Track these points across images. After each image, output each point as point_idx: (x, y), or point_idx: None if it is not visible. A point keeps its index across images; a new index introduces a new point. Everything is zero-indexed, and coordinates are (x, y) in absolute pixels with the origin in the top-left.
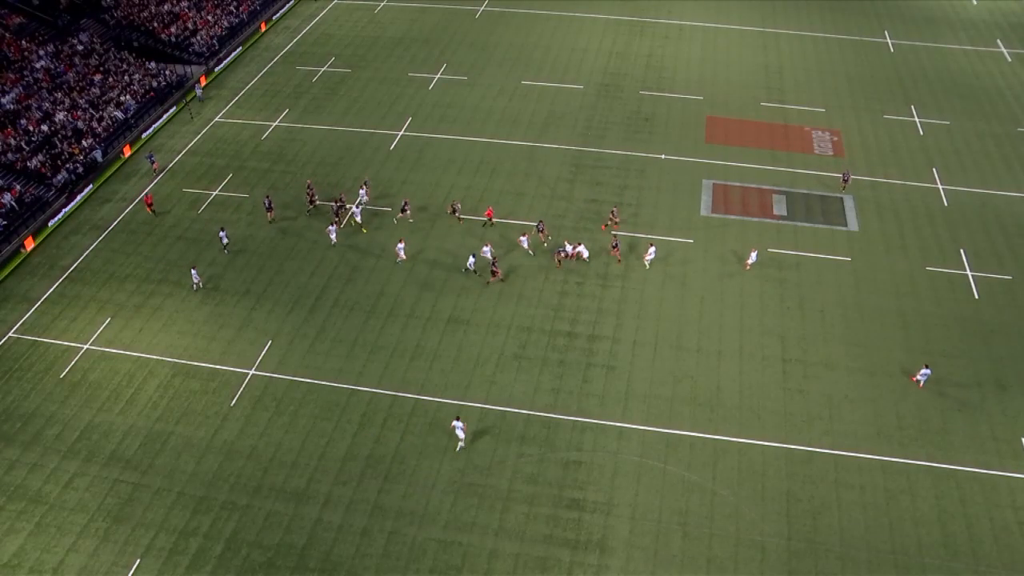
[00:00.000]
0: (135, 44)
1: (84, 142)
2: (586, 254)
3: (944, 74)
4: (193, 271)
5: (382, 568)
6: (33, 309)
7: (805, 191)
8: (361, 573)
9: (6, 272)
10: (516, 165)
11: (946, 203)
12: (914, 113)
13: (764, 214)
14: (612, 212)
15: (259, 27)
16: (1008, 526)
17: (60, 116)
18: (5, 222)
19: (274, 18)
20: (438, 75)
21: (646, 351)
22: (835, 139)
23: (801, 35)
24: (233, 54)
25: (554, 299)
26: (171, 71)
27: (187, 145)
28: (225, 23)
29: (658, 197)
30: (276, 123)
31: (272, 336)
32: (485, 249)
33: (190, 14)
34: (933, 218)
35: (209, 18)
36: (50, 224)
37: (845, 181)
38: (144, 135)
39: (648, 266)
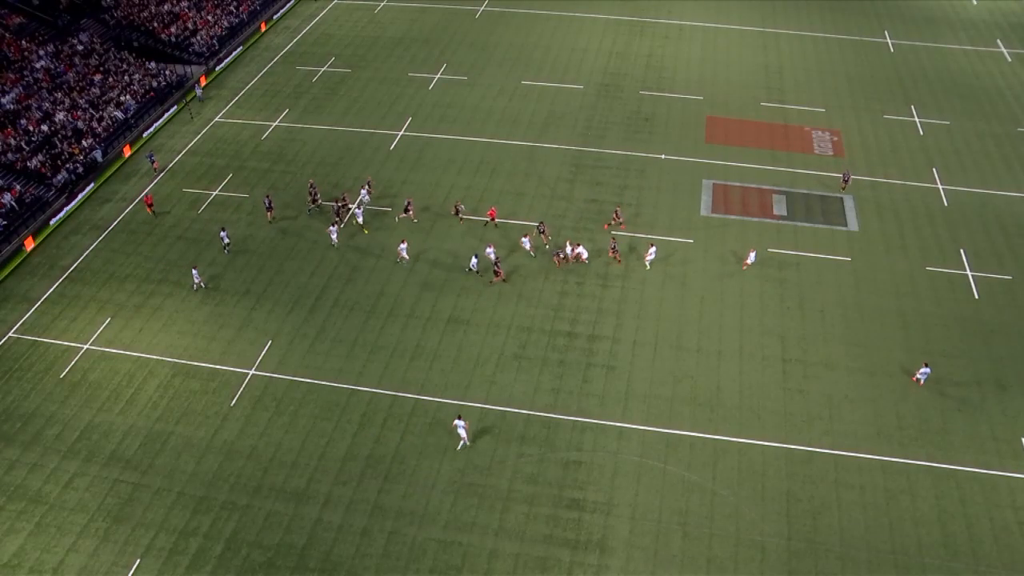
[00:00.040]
0: (135, 44)
1: (84, 142)
2: (585, 255)
3: (944, 74)
4: (194, 271)
5: (382, 568)
6: (33, 309)
7: (805, 191)
8: (361, 573)
9: (6, 272)
10: (516, 165)
11: (946, 203)
12: (914, 113)
13: (764, 214)
14: (615, 212)
15: (259, 27)
16: (1008, 526)
17: (60, 116)
18: (5, 222)
19: (274, 18)
20: (438, 75)
21: (646, 351)
22: (835, 139)
23: (801, 35)
24: (233, 54)
25: (554, 299)
26: (171, 71)
27: (187, 145)
28: (225, 23)
29: (658, 197)
30: (276, 123)
31: (272, 336)
32: (488, 250)
33: (190, 14)
34: (933, 218)
35: (209, 18)
36: (51, 224)
37: (845, 182)
38: (144, 135)
39: (649, 266)
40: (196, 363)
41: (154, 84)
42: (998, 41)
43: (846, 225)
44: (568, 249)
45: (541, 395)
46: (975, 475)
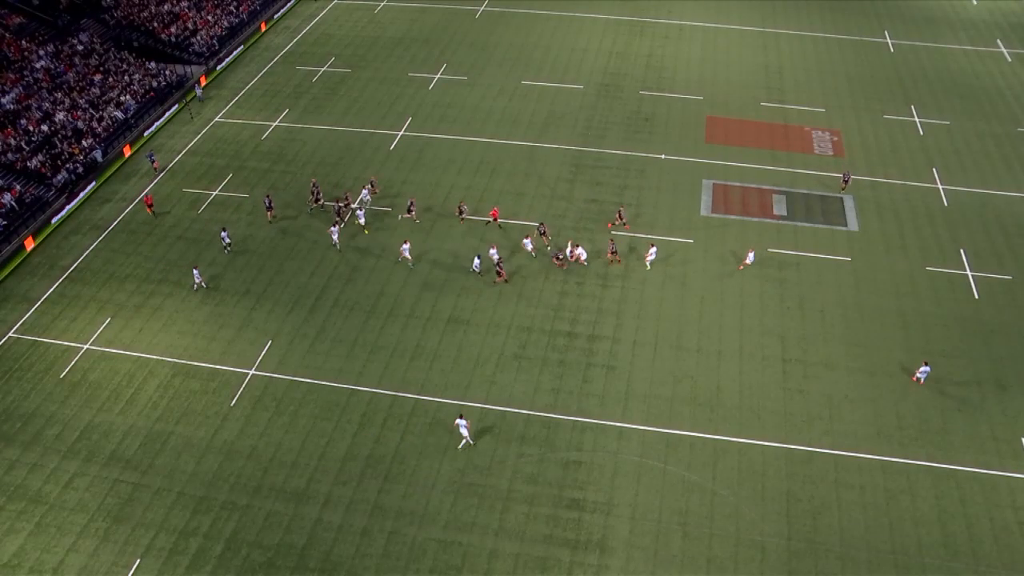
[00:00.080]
0: (135, 44)
1: (84, 142)
2: (584, 256)
3: (944, 74)
4: (195, 271)
5: (382, 568)
6: (33, 309)
7: (805, 191)
8: (361, 573)
9: (6, 272)
10: (516, 165)
11: (946, 203)
12: (914, 113)
13: (764, 214)
14: (619, 212)
15: (259, 27)
16: (1008, 526)
17: (60, 116)
18: (5, 222)
19: (274, 18)
20: (438, 75)
21: (646, 351)
22: (835, 139)
23: (801, 35)
24: (233, 54)
25: (554, 299)
26: (171, 71)
27: (187, 145)
28: (225, 23)
29: (658, 197)
30: (276, 123)
31: (272, 336)
32: (492, 251)
33: (190, 14)
34: (933, 218)
35: (209, 18)
36: (51, 224)
37: (845, 182)
38: (144, 135)
39: (649, 267)
40: (196, 363)
41: (154, 84)
42: (998, 41)
43: (846, 225)
44: (568, 250)
45: (541, 395)
46: (975, 475)
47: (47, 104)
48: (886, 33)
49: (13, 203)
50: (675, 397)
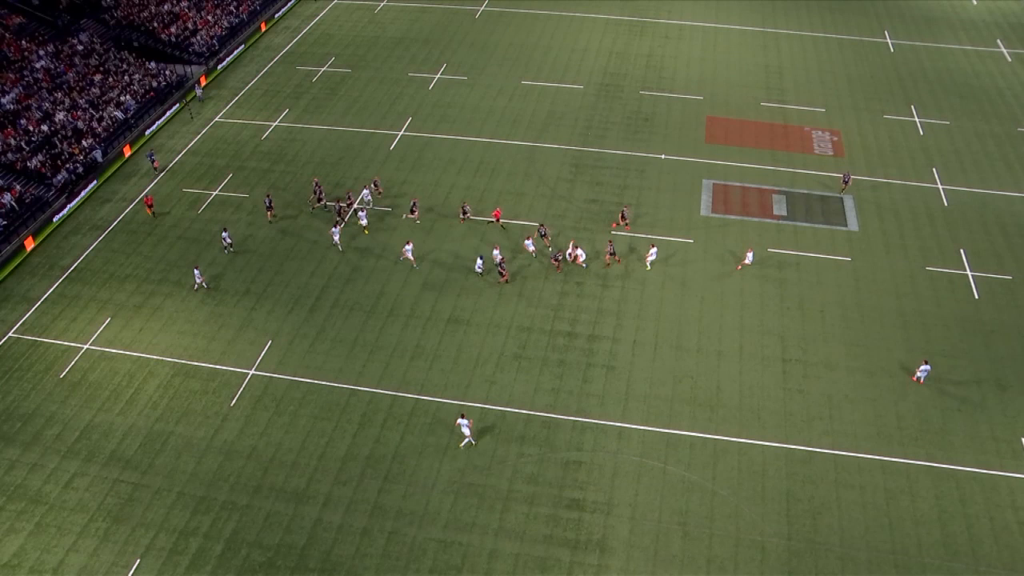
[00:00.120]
0: (135, 44)
1: (84, 142)
2: (582, 257)
3: (944, 74)
4: (196, 271)
5: (382, 568)
6: (33, 309)
7: (805, 191)
8: (361, 573)
9: (6, 272)
10: (516, 165)
11: (946, 203)
12: (914, 113)
13: (764, 214)
14: (623, 212)
15: (259, 27)
16: (1008, 526)
17: (60, 116)
18: (5, 222)
19: (274, 18)
20: (438, 75)
21: (646, 351)
22: (835, 139)
23: (801, 35)
24: (233, 54)
25: (554, 299)
26: (171, 71)
27: (187, 145)
28: (225, 23)
29: (658, 197)
30: (276, 123)
31: (272, 336)
32: (495, 252)
33: (190, 14)
34: (933, 218)
35: (209, 18)
36: (52, 222)
37: (845, 183)
38: (145, 135)
39: (649, 267)
40: (196, 363)
41: (154, 84)
42: (998, 41)
43: (846, 225)
44: (569, 250)
45: (541, 395)
46: (975, 475)
47: (47, 104)
48: (886, 33)
49: (13, 203)
50: (675, 397)
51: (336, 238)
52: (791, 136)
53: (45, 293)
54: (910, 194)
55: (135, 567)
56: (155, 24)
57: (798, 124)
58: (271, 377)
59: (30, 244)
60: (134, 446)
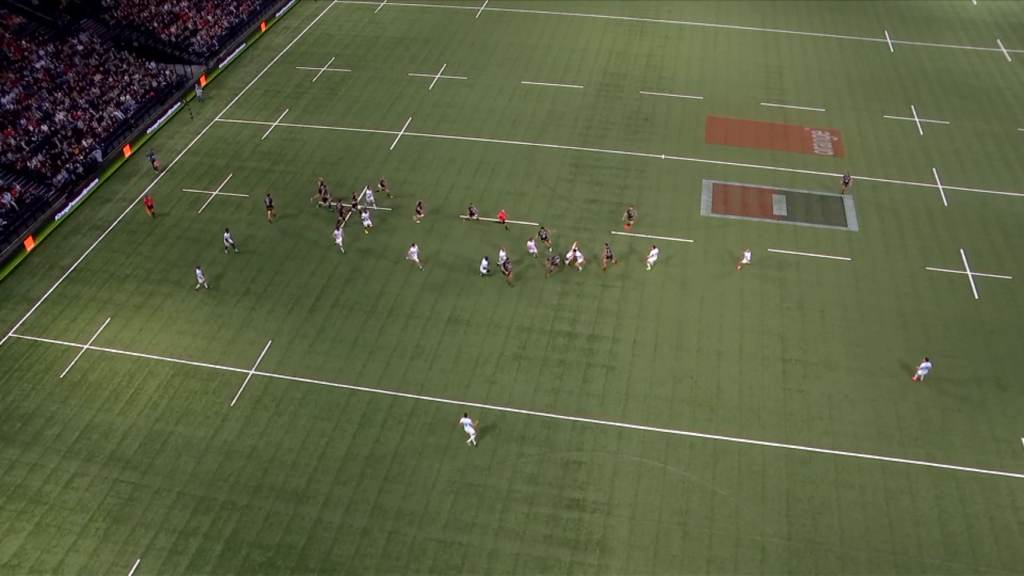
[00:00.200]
0: (135, 44)
1: (84, 142)
2: (581, 259)
3: (944, 74)
4: (198, 271)
5: (382, 568)
6: (33, 309)
7: (805, 191)
8: (361, 573)
9: (6, 272)
10: (516, 165)
11: (946, 203)
12: (914, 113)
13: (764, 214)
14: (629, 211)
15: (259, 27)
16: (1008, 526)
17: (60, 116)
18: (5, 222)
19: (274, 18)
20: (438, 75)
21: (646, 351)
22: (835, 139)
23: (801, 35)
24: (233, 54)
25: (554, 299)
26: (171, 71)
27: (187, 145)
28: (225, 23)
29: (658, 197)
30: (276, 123)
31: (272, 336)
32: (501, 254)
33: (190, 14)
34: (933, 218)
35: (209, 18)
36: (53, 221)
37: (845, 183)
38: (144, 135)
39: (650, 268)
40: (196, 363)
41: (154, 84)
42: (998, 41)
43: (846, 225)
44: (569, 254)
45: (541, 395)
46: (975, 475)
47: (47, 104)
48: (886, 33)
49: (13, 203)
50: (675, 397)
51: (339, 240)
52: (791, 136)
53: (45, 293)
54: (910, 194)
55: (135, 567)
56: (155, 24)
57: (798, 124)
58: (271, 377)
59: (30, 244)
60: (134, 446)
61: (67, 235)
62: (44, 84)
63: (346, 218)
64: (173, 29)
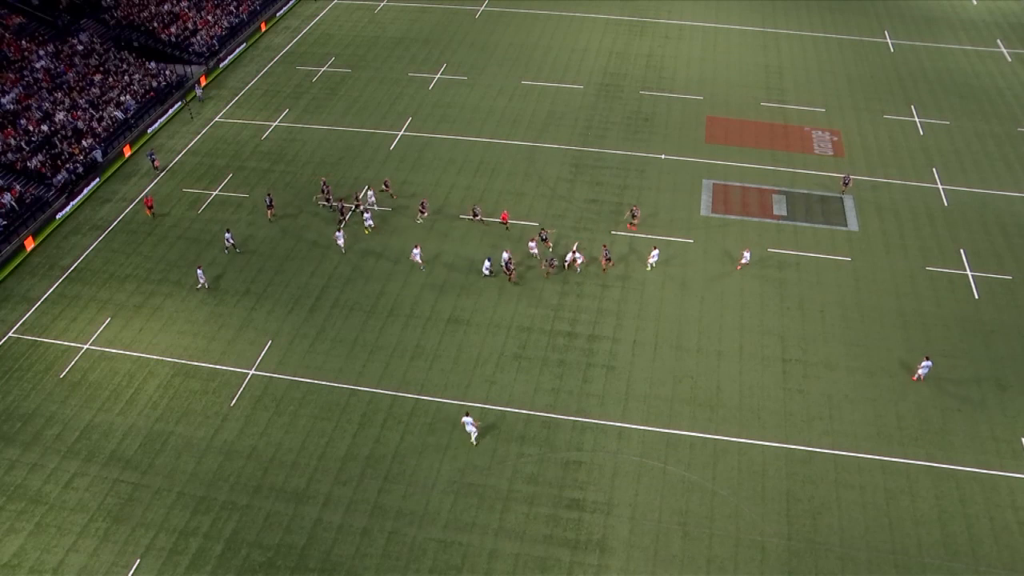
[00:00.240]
0: (135, 44)
1: (84, 142)
2: (580, 260)
3: (944, 74)
4: (199, 271)
5: (382, 568)
6: (33, 309)
7: (805, 191)
8: (361, 573)
9: (6, 272)
10: (516, 165)
11: (946, 203)
12: (914, 113)
13: (764, 214)
14: (632, 211)
15: (259, 27)
16: (1008, 526)
17: (60, 116)
18: (5, 222)
19: (275, 18)
20: (438, 75)
21: (646, 351)
22: (835, 139)
23: (801, 35)
24: (233, 54)
25: (554, 299)
26: (171, 71)
27: (187, 145)
28: (225, 23)
29: (658, 197)
30: (276, 123)
31: (272, 336)
32: (505, 255)
33: (190, 14)
34: (933, 218)
35: (209, 18)
36: (53, 221)
37: (845, 184)
38: (144, 135)
39: (650, 268)
40: (196, 363)
41: (154, 84)
42: (998, 41)
43: (846, 225)
44: (569, 256)
45: (541, 395)
46: (975, 475)
47: (47, 104)
48: (886, 33)
49: (13, 203)
50: (675, 397)
51: (340, 241)
52: (791, 136)
53: (45, 293)
54: (910, 194)
55: (135, 567)
56: (155, 24)
57: (798, 124)
58: (271, 377)
59: (30, 244)
60: (134, 446)
61: (67, 235)
62: (44, 84)
63: (347, 217)
64: (173, 29)
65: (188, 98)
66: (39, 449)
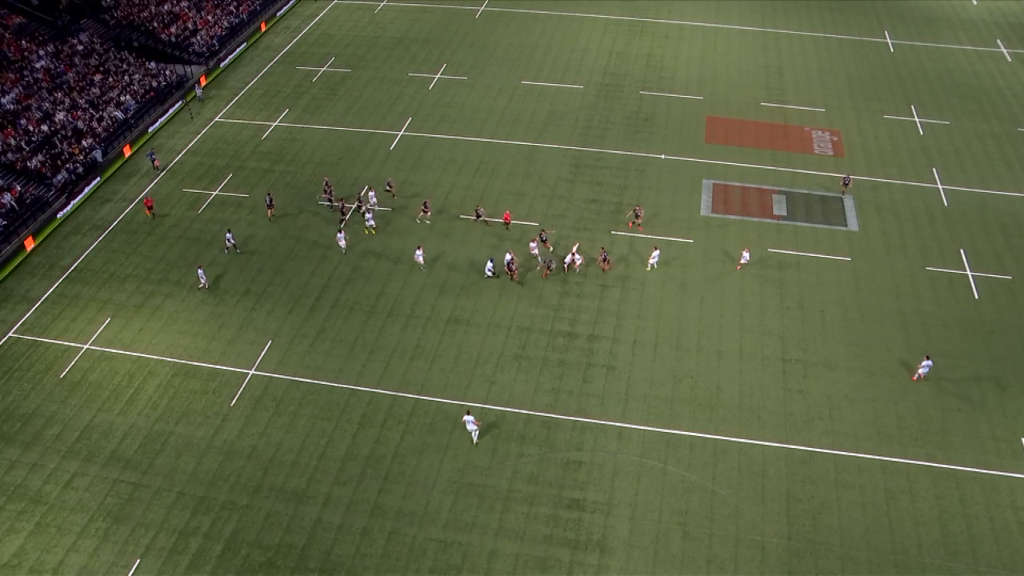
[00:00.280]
0: (135, 44)
1: (84, 142)
2: (579, 261)
3: (944, 74)
4: (200, 271)
5: (382, 568)
6: (33, 309)
7: (805, 191)
8: (361, 573)
9: (6, 272)
10: (516, 165)
11: (946, 203)
12: (914, 113)
13: (764, 214)
14: (635, 211)
15: (259, 27)
16: (1008, 526)
17: (60, 116)
18: (5, 222)
19: (275, 18)
20: (438, 75)
21: (646, 351)
22: (835, 139)
23: (801, 35)
24: (233, 54)
25: (554, 299)
26: (171, 71)
27: (187, 145)
28: (225, 23)
29: (658, 197)
30: (276, 123)
31: (272, 336)
32: (508, 256)
33: (190, 14)
34: (933, 218)
35: (209, 18)
36: (54, 221)
37: (845, 185)
38: (144, 135)
39: (649, 269)
40: (196, 363)
41: (154, 84)
42: (998, 41)
43: (846, 225)
44: (570, 256)
45: (541, 395)
46: (975, 475)
47: (47, 104)
48: (886, 33)
49: (13, 203)
50: (675, 397)
51: (342, 242)
52: (791, 136)
53: (45, 293)
54: (910, 194)
55: (135, 567)
56: (155, 24)
57: (798, 124)
58: (271, 377)
59: (30, 244)
60: (134, 446)
61: (67, 235)
62: (44, 84)
63: (347, 217)
64: (173, 29)
65: (188, 98)
66: (39, 449)
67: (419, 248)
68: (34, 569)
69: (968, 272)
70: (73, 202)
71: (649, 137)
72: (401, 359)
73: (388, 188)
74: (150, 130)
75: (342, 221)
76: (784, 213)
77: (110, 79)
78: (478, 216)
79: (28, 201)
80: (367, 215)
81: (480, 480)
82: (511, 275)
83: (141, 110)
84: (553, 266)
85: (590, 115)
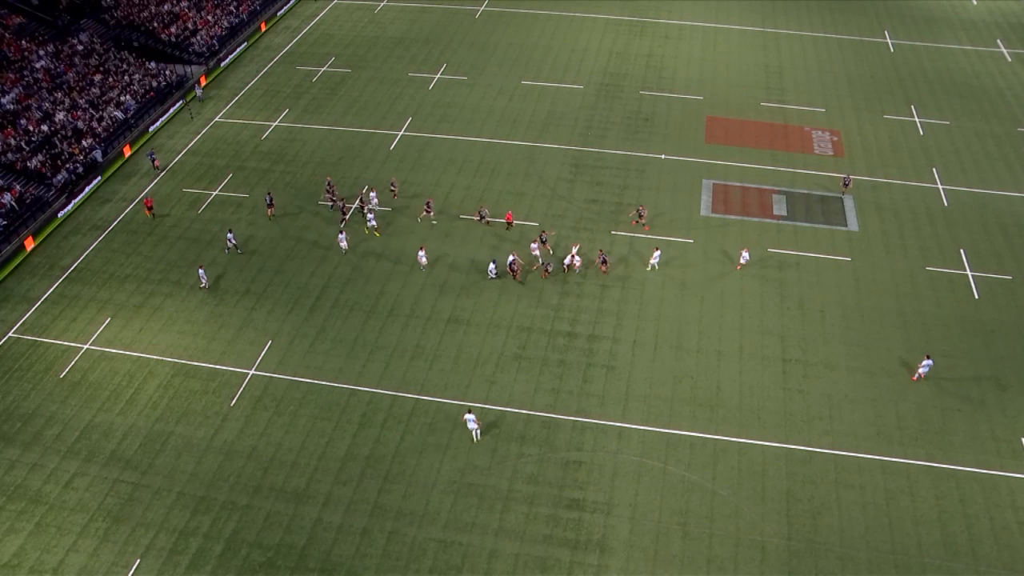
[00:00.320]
0: (135, 44)
1: (84, 142)
2: (579, 262)
3: (944, 74)
4: (200, 270)
5: (382, 568)
6: (33, 309)
7: (805, 191)
8: (361, 573)
9: (6, 272)
10: (516, 165)
11: (946, 203)
12: (914, 113)
13: (764, 214)
14: (639, 211)
15: (259, 27)
16: (1008, 526)
17: (60, 116)
18: (5, 222)
19: (275, 18)
20: (438, 75)
21: (646, 351)
22: (835, 139)
23: (801, 35)
24: (233, 54)
25: (554, 299)
26: (171, 71)
27: (187, 145)
28: (225, 23)
29: (658, 197)
30: (276, 123)
31: (272, 336)
32: (511, 257)
33: (190, 14)
34: (933, 218)
35: (209, 18)
36: (54, 221)
37: (845, 185)
38: (144, 135)
39: (650, 269)
40: (196, 363)
41: (154, 84)
42: (998, 41)
43: (846, 225)
44: (570, 257)
45: (541, 395)
46: (975, 475)
47: (47, 104)
48: (886, 33)
49: (13, 203)
50: (675, 397)
51: (343, 243)
52: (791, 136)
53: (45, 293)
54: (910, 194)
55: (135, 567)
56: (155, 24)
57: (798, 124)
58: (271, 377)
59: (30, 244)
60: (134, 446)
61: (67, 235)
62: (44, 84)
63: (347, 217)
64: (173, 29)
65: (188, 98)
66: (39, 449)
67: (422, 249)
68: (34, 569)
69: (968, 272)
70: (73, 202)
71: (649, 137)
72: (401, 359)
73: (392, 188)
74: (150, 130)
75: (343, 221)
76: (784, 213)
77: (110, 79)
78: (481, 217)
79: (28, 201)
80: (369, 215)
81: (480, 480)
82: (513, 275)
83: (141, 110)
84: (551, 268)
85: (590, 115)
